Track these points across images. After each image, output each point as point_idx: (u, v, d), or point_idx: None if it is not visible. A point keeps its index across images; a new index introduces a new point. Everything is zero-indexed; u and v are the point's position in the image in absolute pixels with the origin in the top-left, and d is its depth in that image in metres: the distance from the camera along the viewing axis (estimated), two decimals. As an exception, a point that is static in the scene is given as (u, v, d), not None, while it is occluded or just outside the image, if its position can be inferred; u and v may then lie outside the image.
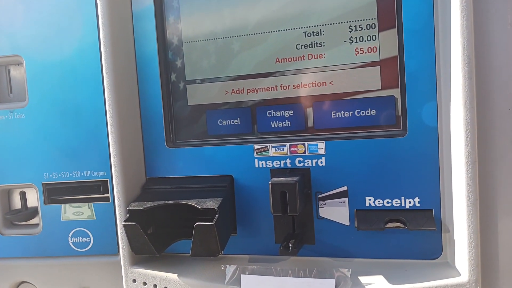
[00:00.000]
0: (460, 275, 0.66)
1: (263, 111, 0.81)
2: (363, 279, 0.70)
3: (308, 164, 0.77)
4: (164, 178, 0.84)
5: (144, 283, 0.80)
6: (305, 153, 0.77)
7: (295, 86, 0.79)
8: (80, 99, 0.86)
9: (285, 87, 0.80)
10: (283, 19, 0.78)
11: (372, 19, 0.74)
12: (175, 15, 0.84)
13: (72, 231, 0.89)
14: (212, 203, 0.73)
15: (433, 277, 0.66)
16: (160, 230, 0.82)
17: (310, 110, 0.78)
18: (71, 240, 0.89)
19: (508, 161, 0.65)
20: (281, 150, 0.78)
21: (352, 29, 0.75)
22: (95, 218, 0.88)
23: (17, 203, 0.95)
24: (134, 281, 0.81)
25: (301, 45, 0.78)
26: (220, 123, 0.83)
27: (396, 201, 0.73)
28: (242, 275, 0.74)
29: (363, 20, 0.75)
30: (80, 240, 0.88)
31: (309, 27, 0.77)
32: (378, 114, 0.75)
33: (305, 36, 0.78)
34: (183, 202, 0.75)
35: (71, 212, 0.89)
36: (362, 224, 0.72)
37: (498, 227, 0.66)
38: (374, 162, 0.73)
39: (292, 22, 0.78)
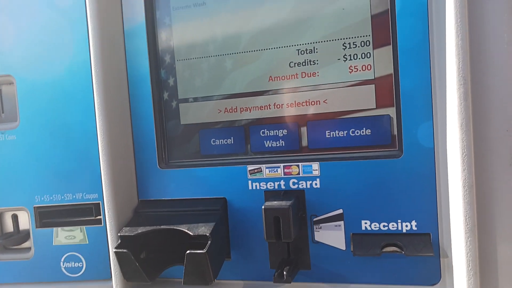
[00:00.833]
0: (459, 302, 0.64)
1: (257, 131, 0.79)
2: (360, 306, 0.68)
3: (302, 186, 0.75)
4: (156, 200, 0.83)
5: (137, 309, 0.79)
6: (299, 174, 0.75)
7: (289, 104, 0.77)
8: (71, 120, 0.85)
9: (278, 106, 0.78)
10: (276, 36, 0.76)
11: (366, 36, 0.73)
12: (167, 32, 0.83)
13: (65, 256, 0.87)
14: (204, 229, 0.71)
15: (432, 306, 0.64)
16: (153, 254, 0.81)
17: (304, 130, 0.77)
18: (63, 265, 0.87)
19: (507, 185, 0.63)
20: (275, 172, 0.76)
21: (346, 47, 0.74)
22: (87, 242, 0.86)
23: (9, 227, 0.94)
24: (127, 306, 0.80)
25: (294, 63, 0.76)
26: (213, 142, 0.82)
27: (393, 225, 0.70)
28: (235, 301, 0.72)
29: (358, 37, 0.73)
30: (73, 265, 0.87)
31: (303, 44, 0.76)
32: (374, 133, 0.73)
33: (298, 54, 0.76)
34: (175, 227, 0.74)
35: (63, 236, 0.87)
36: (358, 250, 0.70)
37: (497, 254, 0.63)
38: (370, 184, 0.71)
39: (285, 39, 0.76)
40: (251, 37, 0.78)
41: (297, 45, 0.76)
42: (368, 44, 0.73)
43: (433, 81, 0.67)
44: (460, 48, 0.61)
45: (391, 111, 0.72)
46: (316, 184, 0.74)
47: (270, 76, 0.78)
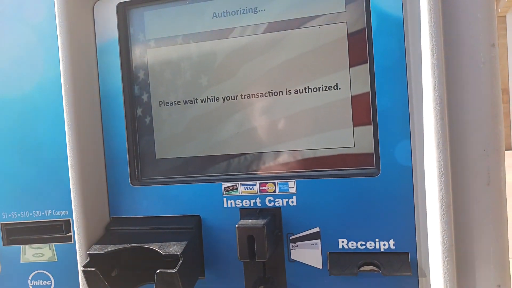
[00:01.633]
0: (437, 324, 0.62)
1: (231, 147, 0.78)
2: (337, 329, 0.66)
3: (278, 203, 0.73)
4: (128, 218, 0.80)
5: (106, 332, 0.75)
6: (275, 192, 0.73)
7: (265, 122, 0.76)
8: (41, 136, 0.82)
9: (252, 124, 0.76)
10: (252, 54, 0.75)
11: (343, 54, 0.72)
12: (141, 48, 0.81)
13: (32, 274, 0.84)
14: (175, 248, 0.69)
15: (409, 328, 0.62)
16: (125, 272, 0.78)
17: (279, 146, 0.75)
18: (31, 283, 0.83)
19: (484, 204, 0.62)
20: (250, 189, 0.75)
21: (323, 64, 0.73)
22: (56, 260, 0.82)
23: (-25, 244, 0.89)
24: (96, 329, 0.76)
25: (269, 81, 0.75)
26: (187, 159, 0.80)
27: (370, 244, 0.69)
28: (208, 324, 0.70)
29: (335, 55, 0.72)
30: (41, 283, 0.83)
31: (278, 63, 0.75)
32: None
33: (274, 72, 0.75)
34: (146, 246, 0.71)
35: (31, 253, 0.84)
36: (334, 269, 0.68)
37: (476, 274, 0.62)
38: (347, 201, 0.70)
39: (260, 57, 0.75)
40: (226, 54, 0.77)
41: (272, 62, 0.75)
42: (345, 63, 0.72)
43: (410, 100, 0.67)
44: (435, 67, 0.61)
45: (368, 130, 0.71)
46: (292, 202, 0.73)
47: (242, 94, 0.76)
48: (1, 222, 0.84)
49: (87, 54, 0.79)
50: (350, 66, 0.72)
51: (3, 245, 0.85)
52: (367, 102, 0.71)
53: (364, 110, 0.71)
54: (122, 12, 0.80)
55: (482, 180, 0.62)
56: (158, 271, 0.66)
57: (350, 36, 0.71)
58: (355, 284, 0.70)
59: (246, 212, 0.74)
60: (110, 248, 0.73)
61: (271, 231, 0.70)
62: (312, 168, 0.74)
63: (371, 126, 0.70)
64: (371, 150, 0.71)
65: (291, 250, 0.73)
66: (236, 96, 0.76)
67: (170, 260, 0.73)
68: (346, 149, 0.72)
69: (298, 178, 0.73)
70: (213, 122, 0.78)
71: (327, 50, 0.72)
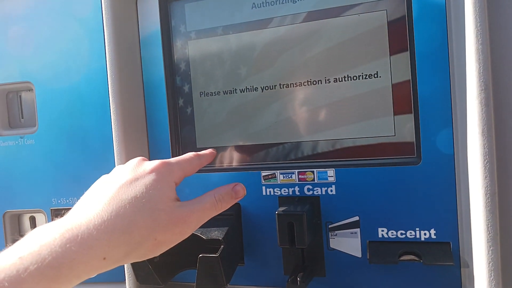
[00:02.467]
0: (480, 315, 0.62)
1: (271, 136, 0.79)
2: (376, 316, 0.66)
3: (317, 192, 0.74)
4: (170, 205, 0.82)
5: (150, 314, 0.78)
6: (314, 180, 0.74)
7: (304, 111, 0.76)
8: (88, 125, 0.86)
9: (293, 111, 0.77)
10: (290, 44, 0.76)
11: (383, 42, 0.72)
12: (182, 40, 0.83)
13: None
14: (217, 233, 0.71)
15: (451, 317, 0.62)
16: (167, 258, 0.80)
17: (319, 135, 0.76)
18: (78, 267, 0.88)
19: (530, 192, 0.61)
20: (289, 178, 0.76)
21: (362, 53, 0.73)
22: (102, 245, 0.86)
23: (27, 228, 0.95)
24: (140, 311, 0.79)
25: (308, 70, 0.76)
26: (227, 148, 0.81)
27: (411, 233, 0.69)
28: (249, 308, 0.72)
29: (375, 43, 0.72)
30: (87, 267, 0.87)
31: (317, 52, 0.75)
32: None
33: (313, 61, 0.76)
34: (188, 232, 0.73)
35: (78, 238, 0.88)
36: (374, 257, 0.68)
37: (521, 263, 0.61)
38: (387, 191, 0.70)
39: (299, 46, 0.76)
40: (265, 44, 0.78)
41: (312, 52, 0.75)
42: (385, 51, 0.72)
43: (453, 87, 0.66)
44: (480, 53, 0.60)
45: (409, 118, 0.70)
46: (331, 190, 0.73)
47: (283, 83, 0.77)
48: (51, 208, 0.89)
49: (131, 46, 0.82)
50: (391, 54, 0.71)
51: (53, 229, 0.90)
52: (408, 90, 0.70)
53: (405, 98, 0.70)
54: (164, 5, 0.83)
55: (529, 168, 0.60)
56: (200, 255, 0.69)
57: (390, 23, 0.71)
58: (395, 273, 0.69)
59: (285, 200, 0.75)
60: (154, 233, 0.76)
61: (310, 219, 0.71)
62: (351, 157, 0.74)
63: (412, 115, 0.70)
64: (412, 138, 0.70)
65: (330, 239, 0.73)
66: (275, 85, 0.77)
67: (210, 247, 0.75)
68: (386, 138, 0.72)
69: (338, 167, 0.73)
70: (252, 112, 0.79)
71: (367, 38, 0.72)
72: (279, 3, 0.76)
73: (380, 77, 0.72)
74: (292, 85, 0.77)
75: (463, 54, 0.62)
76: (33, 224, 0.94)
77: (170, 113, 0.83)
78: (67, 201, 0.88)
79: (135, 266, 0.74)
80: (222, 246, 0.69)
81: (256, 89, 0.79)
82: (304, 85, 0.76)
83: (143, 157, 0.66)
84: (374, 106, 0.72)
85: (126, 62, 0.81)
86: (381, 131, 0.72)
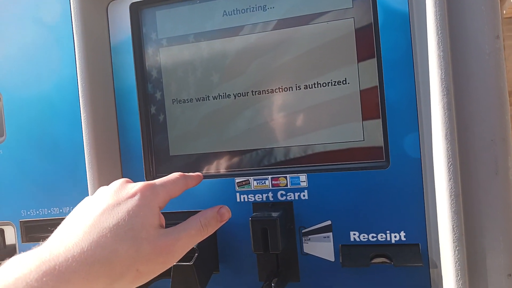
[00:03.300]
0: (449, 313, 0.63)
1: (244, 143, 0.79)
2: (349, 319, 0.67)
3: (290, 197, 0.75)
4: (144, 213, 0.82)
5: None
6: (287, 186, 0.75)
7: (276, 117, 0.77)
8: (58, 134, 0.84)
9: (266, 118, 0.78)
10: (261, 51, 0.77)
11: (351, 49, 0.73)
12: (153, 47, 0.83)
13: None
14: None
15: (421, 317, 0.64)
16: (141, 268, 0.79)
17: (290, 141, 0.77)
18: (49, 279, 0.86)
19: (493, 193, 0.63)
20: (262, 183, 0.76)
21: (331, 60, 0.74)
22: (73, 257, 0.85)
23: (-6, 242, 0.92)
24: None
25: (280, 77, 0.77)
26: (201, 156, 0.81)
27: (382, 236, 0.70)
28: (223, 316, 0.71)
29: (343, 50, 0.74)
30: (59, 280, 0.85)
31: (287, 59, 0.76)
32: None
33: (284, 68, 0.77)
34: (162, 240, 0.73)
35: (49, 250, 0.86)
36: (347, 261, 0.69)
37: (487, 263, 0.63)
38: (358, 194, 0.71)
39: (270, 54, 0.77)
40: (237, 51, 0.78)
41: (283, 59, 0.77)
42: (353, 57, 0.73)
43: (418, 92, 0.68)
44: (442, 59, 0.62)
45: (377, 123, 0.72)
46: (304, 195, 0.74)
47: (254, 91, 0.78)
48: (21, 220, 0.87)
49: (101, 53, 0.81)
50: (358, 61, 0.73)
51: (22, 242, 0.88)
52: (376, 96, 0.72)
53: (372, 104, 0.72)
54: (135, 12, 0.82)
55: (490, 169, 0.63)
56: (174, 264, 0.68)
57: (358, 31, 0.73)
58: (367, 276, 0.71)
59: (258, 206, 0.76)
60: (127, 242, 0.75)
61: (284, 224, 0.71)
62: (322, 162, 0.75)
63: (380, 120, 0.72)
64: (381, 143, 0.72)
65: (304, 244, 0.74)
66: (247, 92, 0.78)
67: (185, 255, 0.75)
68: (355, 142, 0.74)
69: (309, 172, 0.74)
70: (224, 119, 0.80)
71: (336, 45, 0.74)
72: (250, 11, 0.77)
73: (348, 83, 0.73)
74: (264, 92, 0.77)
75: (427, 61, 0.65)
76: (1, 237, 0.91)
77: (142, 121, 0.82)
78: (37, 212, 0.86)
79: (107, 276, 0.73)
80: (196, 254, 0.69)
81: (228, 96, 0.79)
82: (275, 92, 0.77)
83: (127, 179, 0.63)
84: (343, 112, 0.74)
85: (97, 69, 0.81)
86: (350, 136, 0.74)
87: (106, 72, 0.83)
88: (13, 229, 0.88)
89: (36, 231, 0.87)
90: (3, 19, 0.87)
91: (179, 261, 0.68)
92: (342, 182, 0.72)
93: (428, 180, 0.67)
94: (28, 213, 0.86)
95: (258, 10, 0.77)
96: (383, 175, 0.70)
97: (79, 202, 0.84)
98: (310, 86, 0.75)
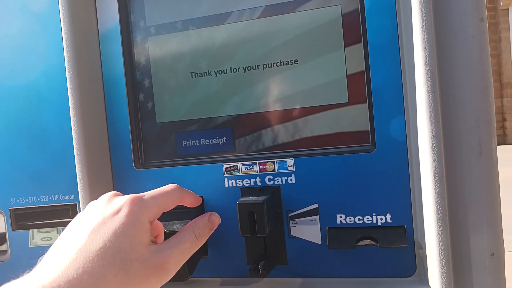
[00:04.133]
0: (433, 293, 0.64)
1: (233, 130, 0.80)
2: (336, 300, 0.68)
3: (278, 182, 0.75)
4: (133, 200, 0.82)
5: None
6: (274, 171, 0.75)
7: (263, 103, 0.78)
8: (46, 122, 0.84)
9: (253, 105, 0.78)
10: (249, 37, 0.77)
11: (338, 35, 0.74)
12: (142, 35, 0.83)
13: (41, 257, 0.86)
14: (179, 226, 0.71)
15: (406, 296, 0.64)
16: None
17: (278, 127, 0.77)
18: (39, 266, 0.86)
19: (476, 175, 0.64)
20: (250, 169, 0.77)
21: (318, 46, 0.75)
22: (63, 244, 0.85)
23: (-16, 230, 0.92)
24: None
25: (267, 64, 0.77)
26: (189, 143, 0.82)
27: (368, 218, 0.71)
28: (212, 299, 0.72)
29: (330, 35, 0.74)
30: (49, 267, 0.85)
31: (274, 46, 0.77)
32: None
33: (271, 54, 0.77)
34: (150, 225, 0.73)
35: (39, 237, 0.86)
36: (333, 243, 0.70)
37: (470, 243, 0.64)
38: (344, 178, 0.72)
39: (258, 40, 0.77)
40: (224, 38, 0.79)
41: (270, 45, 0.77)
42: (339, 43, 0.74)
43: (403, 76, 0.69)
44: (426, 42, 0.63)
45: (363, 107, 0.73)
46: (291, 180, 0.75)
47: (240, 77, 0.78)
48: (10, 208, 0.87)
49: (90, 41, 0.81)
50: (345, 46, 0.74)
51: (12, 230, 0.88)
52: (362, 80, 0.72)
53: (359, 88, 0.73)
54: (123, 0, 0.82)
55: (474, 151, 0.64)
56: (162, 247, 0.68)
57: (344, 16, 0.73)
58: (354, 258, 0.71)
59: (246, 191, 0.76)
60: (116, 228, 0.75)
61: (271, 207, 0.72)
62: (310, 147, 0.76)
63: (366, 104, 0.72)
64: (367, 127, 0.72)
65: (291, 227, 0.75)
66: (235, 79, 0.78)
67: (174, 240, 0.75)
68: (343, 126, 0.74)
69: (297, 156, 0.75)
70: (213, 106, 0.80)
71: (322, 31, 0.74)
72: (237, -2, 0.78)
73: (336, 68, 0.74)
74: (251, 78, 0.78)
75: (412, 44, 0.65)
76: (-9, 226, 0.91)
77: (131, 108, 0.82)
78: (26, 200, 0.86)
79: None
80: (184, 238, 0.70)
81: (216, 83, 0.79)
82: (264, 78, 0.77)
83: (116, 192, 0.60)
84: (331, 96, 0.74)
85: (85, 57, 0.81)
86: (338, 121, 0.74)
87: (94, 60, 0.83)
88: (2, 217, 0.88)
89: (26, 219, 0.87)
90: (-10, 7, 0.87)
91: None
92: (328, 166, 0.73)
93: (414, 163, 0.68)
94: (18, 201, 0.87)
95: (246, -4, 0.77)
96: (369, 159, 0.71)
97: (68, 189, 0.85)
98: (298, 72, 0.75)
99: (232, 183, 0.77)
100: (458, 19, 0.64)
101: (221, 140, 0.80)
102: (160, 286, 0.54)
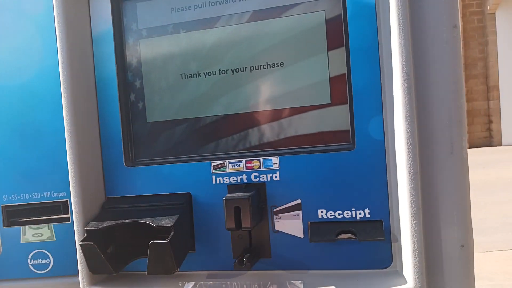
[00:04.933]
0: (406, 282, 0.68)
1: (219, 128, 0.83)
2: (317, 291, 0.72)
3: (263, 179, 0.79)
4: (123, 197, 0.85)
5: (104, 303, 0.80)
6: (260, 168, 0.79)
7: (250, 104, 0.81)
8: (40, 121, 0.87)
9: (241, 105, 0.82)
10: (238, 41, 0.81)
11: (322, 39, 0.78)
12: (134, 37, 0.86)
13: (32, 253, 0.88)
14: (167, 221, 0.74)
15: (382, 286, 0.68)
16: (120, 249, 0.83)
17: (264, 127, 0.81)
18: (30, 262, 0.88)
19: (448, 171, 0.68)
20: (237, 166, 0.80)
21: (303, 49, 0.78)
22: (55, 239, 0.87)
23: (-24, 226, 0.94)
24: (94, 301, 0.81)
25: (255, 66, 0.80)
26: (178, 141, 0.85)
27: (347, 213, 0.75)
28: (199, 291, 0.75)
29: (314, 39, 0.78)
30: (40, 262, 0.88)
31: (262, 49, 0.80)
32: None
33: (259, 57, 0.80)
34: (139, 220, 0.76)
35: (30, 234, 0.88)
36: (314, 236, 0.74)
37: (442, 236, 0.68)
38: (325, 175, 0.76)
39: (245, 43, 0.81)
40: (214, 41, 0.82)
41: (257, 49, 0.80)
42: (323, 47, 0.78)
43: (382, 78, 0.73)
44: (403, 47, 0.67)
45: (345, 108, 0.77)
46: (276, 176, 0.78)
47: (229, 79, 0.82)
48: (2, 205, 0.89)
49: (83, 44, 0.84)
50: (328, 49, 0.77)
51: (4, 226, 0.90)
52: (344, 82, 0.76)
53: (341, 90, 0.77)
54: (116, 4, 0.85)
55: (446, 149, 0.68)
56: (151, 242, 0.72)
57: (328, 22, 0.77)
58: (334, 250, 0.75)
59: (233, 188, 0.80)
60: (106, 224, 0.78)
61: (256, 203, 0.75)
62: (294, 145, 0.79)
63: (348, 105, 0.76)
64: (348, 127, 0.76)
65: (275, 222, 0.78)
66: (223, 81, 0.82)
67: (163, 236, 0.78)
68: (325, 126, 0.78)
69: (281, 154, 0.78)
70: (202, 106, 0.83)
71: (307, 35, 0.78)
72: (226, 3, 0.81)
73: (319, 71, 0.78)
74: (239, 80, 0.81)
75: (390, 49, 0.69)
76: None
77: (122, 108, 0.85)
78: (18, 197, 0.89)
79: (87, 255, 0.76)
80: (172, 232, 0.73)
81: (205, 84, 0.83)
82: (251, 80, 0.81)
83: None
84: (314, 97, 0.78)
85: (78, 59, 0.83)
86: (320, 121, 0.78)
87: (87, 61, 0.86)
88: (-5, 214, 0.91)
89: (18, 215, 0.89)
90: (-15, 9, 0.89)
91: (159, 239, 0.72)
92: (311, 164, 0.76)
93: (391, 161, 0.72)
94: (10, 198, 0.89)
95: (235, 0, 0.81)
96: (349, 157, 0.74)
97: (59, 187, 0.87)
98: (284, 75, 0.79)
99: (219, 180, 0.80)
100: (432, 26, 0.68)
101: (209, 139, 0.83)
102: None
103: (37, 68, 0.87)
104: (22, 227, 0.89)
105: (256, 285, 0.72)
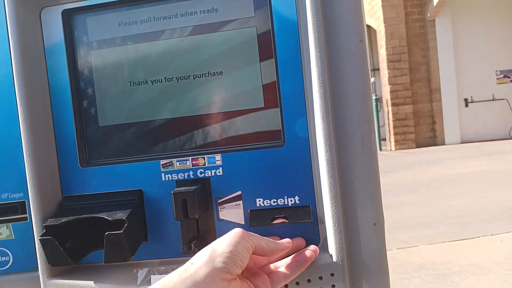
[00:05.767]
0: (331, 257, 0.81)
1: (168, 130, 0.93)
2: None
3: (208, 174, 0.89)
4: (79, 195, 0.92)
5: (63, 294, 0.87)
6: (205, 165, 0.89)
7: (194, 108, 0.91)
8: (-4, 126, 0.92)
9: (186, 109, 0.92)
10: (181, 52, 0.91)
11: (254, 51, 0.89)
12: (85, 48, 0.94)
13: None
14: (121, 214, 0.83)
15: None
16: (78, 243, 0.90)
17: (208, 128, 0.91)
18: (-10, 260, 0.93)
19: (360, 162, 0.82)
20: (184, 164, 0.90)
21: (238, 60, 0.90)
22: (13, 238, 0.93)
23: None
24: (53, 293, 0.88)
25: (197, 74, 0.91)
26: (129, 143, 0.93)
27: (281, 200, 0.87)
28: (152, 276, 0.84)
29: (248, 52, 0.90)
30: (0, 259, 0.93)
31: (202, 59, 0.91)
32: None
33: (199, 67, 0.91)
34: (95, 215, 0.84)
35: (-11, 234, 0.93)
36: (253, 222, 0.85)
37: (358, 215, 0.82)
38: (262, 169, 0.87)
39: (188, 54, 0.91)
40: (159, 52, 0.92)
41: (199, 59, 0.91)
42: (255, 58, 0.89)
43: (305, 85, 0.86)
44: (319, 59, 0.80)
45: (276, 111, 0.89)
46: (219, 172, 0.89)
47: (174, 87, 0.92)
48: (-40, 208, 0.94)
49: (36, 55, 0.91)
50: (260, 61, 0.89)
51: (-38, 229, 0.94)
52: (275, 89, 0.89)
53: (272, 95, 0.89)
54: (67, 18, 0.93)
55: (358, 143, 0.81)
56: (107, 233, 0.80)
57: (259, 36, 0.89)
58: (272, 232, 0.87)
59: (181, 183, 0.89)
60: (64, 219, 0.85)
61: (202, 196, 0.86)
62: (234, 144, 0.90)
63: (278, 108, 0.88)
64: (279, 127, 0.88)
65: (220, 211, 0.89)
66: (169, 88, 0.92)
67: (117, 228, 0.86)
68: (260, 127, 0.90)
69: (223, 152, 0.89)
70: (150, 110, 0.93)
71: (242, 48, 0.90)
72: (170, 18, 0.91)
73: (253, 79, 0.89)
74: (183, 87, 0.91)
75: (309, 60, 0.82)
76: None
77: (75, 113, 0.93)
78: (-24, 201, 0.93)
79: (47, 250, 0.83)
80: (125, 224, 0.81)
81: (153, 90, 0.92)
82: (194, 87, 0.91)
83: None
84: (250, 102, 0.90)
85: (32, 69, 0.90)
86: (256, 122, 0.90)
87: (40, 71, 0.92)
88: (-48, 218, 0.95)
89: (-24, 218, 0.93)
90: None
91: (110, 231, 0.80)
92: (249, 160, 0.88)
93: (315, 154, 0.85)
94: (-34, 203, 0.93)
95: (177, 16, 0.91)
96: (281, 152, 0.87)
97: (17, 188, 0.93)
98: (223, 82, 0.90)
99: (168, 177, 0.90)
100: (343, 41, 0.82)
101: (158, 140, 0.93)
102: None
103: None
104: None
105: (202, 266, 0.82)
